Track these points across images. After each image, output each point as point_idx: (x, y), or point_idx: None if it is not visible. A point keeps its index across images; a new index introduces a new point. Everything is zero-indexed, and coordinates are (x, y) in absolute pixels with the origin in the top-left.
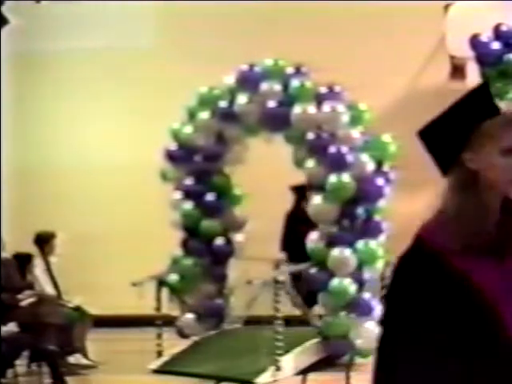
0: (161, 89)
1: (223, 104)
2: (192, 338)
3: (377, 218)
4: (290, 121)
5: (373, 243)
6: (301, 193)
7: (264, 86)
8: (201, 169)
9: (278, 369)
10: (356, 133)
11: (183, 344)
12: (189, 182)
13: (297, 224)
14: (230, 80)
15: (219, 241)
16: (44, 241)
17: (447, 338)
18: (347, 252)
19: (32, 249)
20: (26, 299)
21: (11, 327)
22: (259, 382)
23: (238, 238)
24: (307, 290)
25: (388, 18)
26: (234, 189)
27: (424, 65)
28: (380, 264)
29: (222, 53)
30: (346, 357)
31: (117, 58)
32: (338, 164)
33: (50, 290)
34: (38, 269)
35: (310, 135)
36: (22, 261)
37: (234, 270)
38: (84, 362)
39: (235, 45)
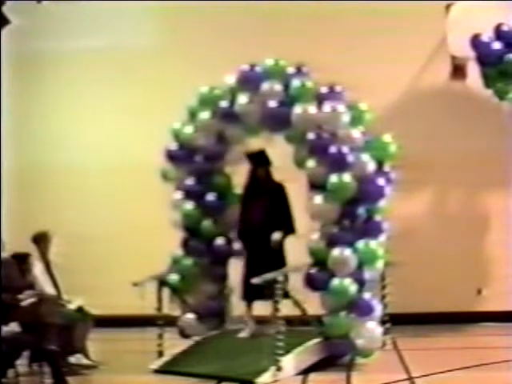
0: (161, 88)
1: (224, 104)
2: (193, 338)
3: (377, 218)
4: (290, 121)
5: (373, 243)
6: (257, 161)
7: (265, 86)
8: (201, 169)
9: (279, 369)
10: (357, 133)
11: (184, 344)
12: (189, 181)
13: (248, 199)
14: (230, 80)
15: (219, 241)
16: (41, 240)
17: None
18: (347, 252)
19: (32, 249)
20: (26, 299)
21: (12, 327)
22: (260, 382)
23: None
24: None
25: (389, 17)
26: (234, 189)
27: (425, 65)
28: (380, 264)
29: (223, 53)
30: (346, 357)
31: (117, 58)
32: (339, 164)
33: (49, 289)
34: (37, 269)
35: (311, 135)
36: (22, 261)
37: (234, 270)
38: (85, 362)
39: (236, 45)
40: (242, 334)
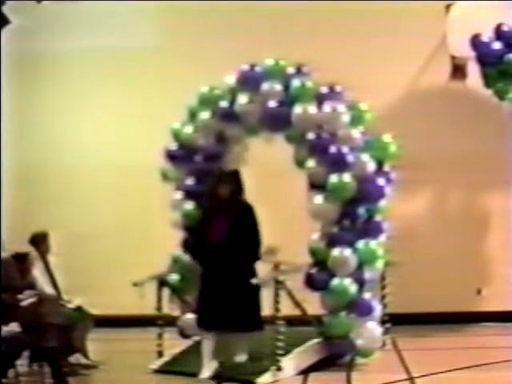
0: (161, 89)
1: (224, 104)
2: (193, 338)
3: (377, 218)
4: (290, 121)
5: (373, 243)
6: (224, 179)
7: (265, 86)
8: (201, 169)
9: (279, 369)
10: (356, 133)
11: (184, 344)
12: (189, 182)
13: (209, 214)
14: (230, 80)
15: None
16: (39, 241)
17: None
18: (347, 252)
19: (31, 249)
20: (26, 299)
21: (12, 327)
22: (260, 382)
23: None
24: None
25: (389, 17)
26: None
27: (425, 65)
28: (380, 264)
29: (223, 53)
30: (346, 357)
31: (117, 58)
32: (339, 164)
33: (48, 289)
34: (37, 269)
35: (311, 135)
36: (22, 261)
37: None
38: (84, 361)
39: (236, 45)
40: (203, 375)
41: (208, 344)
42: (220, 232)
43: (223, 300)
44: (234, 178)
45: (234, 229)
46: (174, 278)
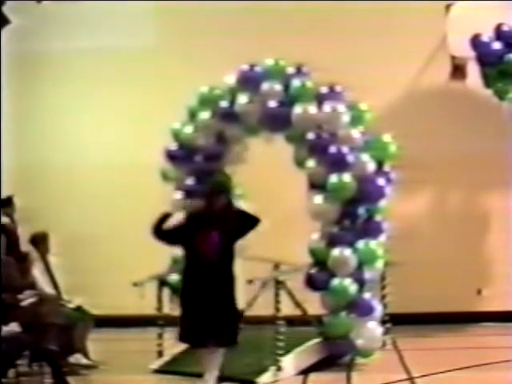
0: (161, 89)
1: (224, 104)
2: None
3: (377, 218)
4: (290, 121)
5: (373, 243)
6: (211, 195)
7: (265, 86)
8: (201, 169)
9: (279, 369)
10: (356, 133)
11: (184, 344)
12: (189, 182)
13: (199, 226)
14: (230, 80)
15: None
16: (39, 241)
17: None
18: (347, 252)
19: (31, 248)
20: (26, 299)
21: (12, 327)
22: (260, 382)
23: None
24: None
25: (388, 17)
26: (234, 189)
27: (425, 65)
28: (380, 264)
29: (223, 53)
30: (346, 357)
31: (117, 58)
32: (339, 164)
33: (48, 289)
34: (37, 269)
35: (311, 135)
36: (22, 261)
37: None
38: (84, 361)
39: (236, 45)
40: None
41: (206, 356)
42: (215, 247)
43: (208, 315)
44: (225, 188)
45: (228, 240)
46: (174, 278)
